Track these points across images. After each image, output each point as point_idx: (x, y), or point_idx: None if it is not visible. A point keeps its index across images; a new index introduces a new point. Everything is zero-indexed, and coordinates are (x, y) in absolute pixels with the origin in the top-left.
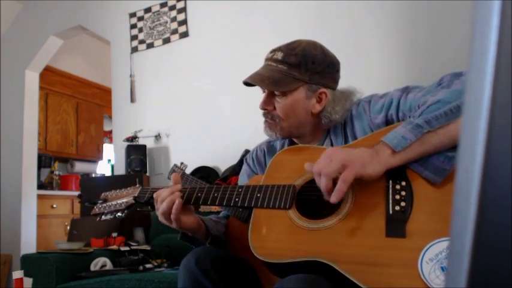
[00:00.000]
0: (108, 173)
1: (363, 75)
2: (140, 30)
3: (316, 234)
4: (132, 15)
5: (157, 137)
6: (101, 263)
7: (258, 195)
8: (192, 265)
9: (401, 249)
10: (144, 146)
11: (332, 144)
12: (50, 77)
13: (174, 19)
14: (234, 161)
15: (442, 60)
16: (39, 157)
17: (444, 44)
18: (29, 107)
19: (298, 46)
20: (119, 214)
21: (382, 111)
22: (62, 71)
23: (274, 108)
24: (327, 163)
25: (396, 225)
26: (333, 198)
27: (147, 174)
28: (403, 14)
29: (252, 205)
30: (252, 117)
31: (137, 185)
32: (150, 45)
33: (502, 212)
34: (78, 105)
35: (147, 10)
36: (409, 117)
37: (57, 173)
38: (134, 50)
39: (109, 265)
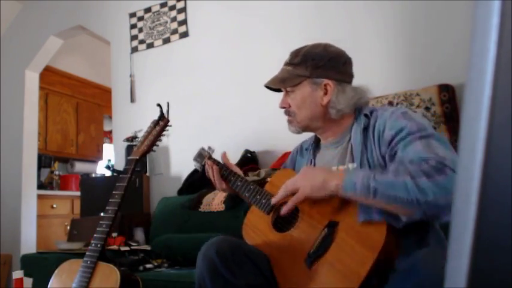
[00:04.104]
0: (108, 173)
1: (362, 75)
2: (140, 30)
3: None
4: (132, 15)
5: None
6: None
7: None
8: (212, 253)
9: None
10: None
11: (350, 141)
12: (50, 77)
13: (174, 19)
14: (234, 161)
15: (440, 60)
16: (39, 157)
17: (443, 44)
18: (29, 107)
19: (303, 49)
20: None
21: (392, 130)
22: (62, 71)
23: (290, 106)
24: (291, 182)
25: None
26: (284, 209)
27: (147, 174)
28: (402, 15)
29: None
30: (252, 117)
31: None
32: (150, 45)
33: (501, 212)
34: (78, 105)
35: (147, 10)
36: (387, 157)
37: (57, 173)
38: (134, 50)
39: None
